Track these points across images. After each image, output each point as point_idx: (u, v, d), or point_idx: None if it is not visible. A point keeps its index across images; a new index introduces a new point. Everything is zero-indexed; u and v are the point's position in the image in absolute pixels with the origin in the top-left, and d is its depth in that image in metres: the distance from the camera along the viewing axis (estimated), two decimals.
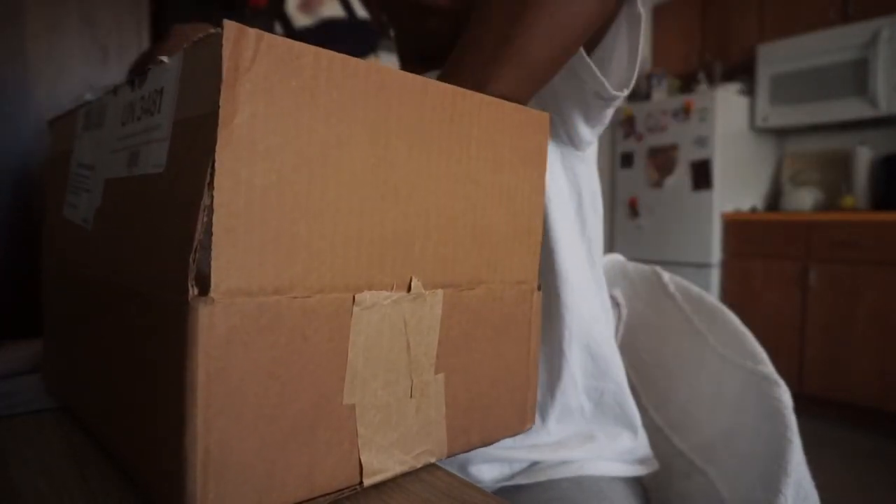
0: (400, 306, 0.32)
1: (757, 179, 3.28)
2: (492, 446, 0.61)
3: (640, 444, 0.67)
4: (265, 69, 0.26)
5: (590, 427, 0.64)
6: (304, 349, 0.28)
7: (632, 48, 0.54)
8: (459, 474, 0.60)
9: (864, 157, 2.89)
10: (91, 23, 0.92)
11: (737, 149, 3.11)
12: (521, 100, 0.45)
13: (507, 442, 0.61)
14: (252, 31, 0.26)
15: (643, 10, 0.53)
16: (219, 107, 0.24)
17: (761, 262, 2.86)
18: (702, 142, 3.05)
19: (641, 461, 0.66)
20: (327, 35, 1.99)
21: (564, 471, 0.61)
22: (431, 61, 0.63)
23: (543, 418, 0.62)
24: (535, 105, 0.47)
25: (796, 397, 0.59)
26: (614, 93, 0.54)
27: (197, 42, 0.27)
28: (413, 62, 0.68)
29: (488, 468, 0.61)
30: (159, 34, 1.61)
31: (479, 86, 0.41)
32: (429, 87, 0.32)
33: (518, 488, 0.60)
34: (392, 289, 0.32)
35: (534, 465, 0.61)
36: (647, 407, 0.79)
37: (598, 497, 0.58)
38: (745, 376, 0.64)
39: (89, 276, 0.38)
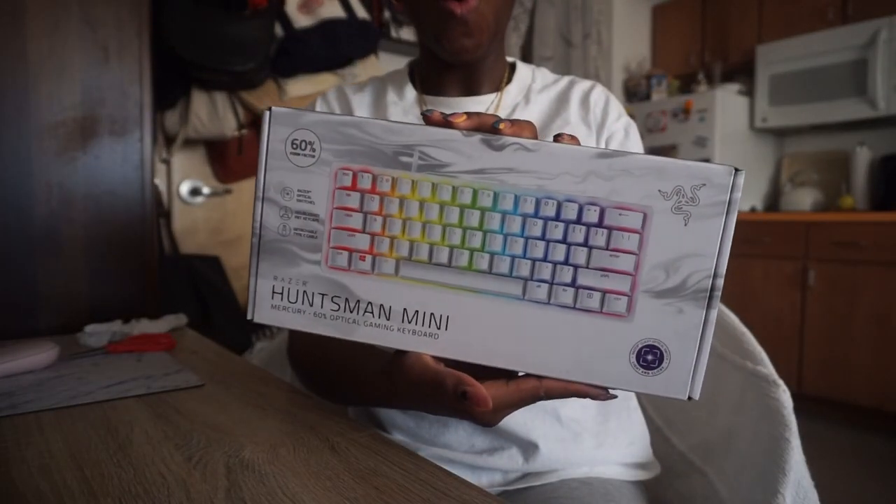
0: None
1: (756, 180, 3.28)
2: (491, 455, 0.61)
3: (644, 447, 0.67)
4: None
5: (600, 426, 0.64)
6: None
7: None
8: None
9: (863, 157, 2.89)
10: (91, 23, 0.92)
11: (736, 149, 3.11)
12: None
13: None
14: None
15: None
16: None
17: (761, 262, 2.86)
18: (701, 142, 3.05)
19: (645, 465, 0.66)
20: (327, 35, 1.99)
21: (573, 472, 0.61)
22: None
23: (559, 419, 0.62)
24: None
25: (795, 397, 0.59)
26: None
27: None
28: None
29: (486, 475, 0.62)
30: (159, 35, 1.61)
31: None
32: None
33: (527, 487, 0.60)
34: None
35: (528, 475, 0.61)
36: (647, 407, 0.79)
37: (605, 498, 0.58)
38: (744, 376, 0.64)
39: None
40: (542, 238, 0.36)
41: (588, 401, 0.63)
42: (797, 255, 2.73)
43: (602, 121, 0.64)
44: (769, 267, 2.83)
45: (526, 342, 0.37)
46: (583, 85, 0.67)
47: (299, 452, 0.45)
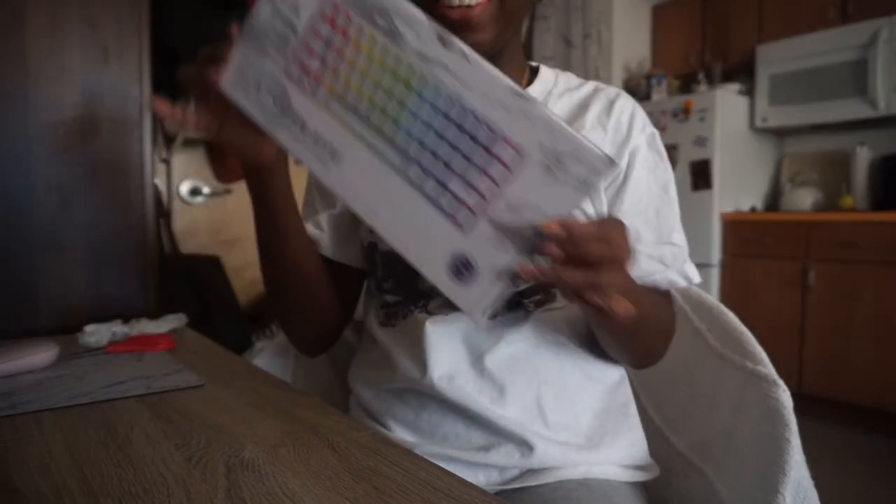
0: None
1: (756, 180, 3.28)
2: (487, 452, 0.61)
3: (642, 449, 0.67)
4: None
5: (595, 432, 0.64)
6: None
7: None
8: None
9: (863, 157, 2.89)
10: (91, 23, 0.92)
11: (736, 149, 3.11)
12: None
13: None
14: None
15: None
16: None
17: (761, 263, 2.86)
18: (701, 142, 3.04)
19: (644, 467, 0.66)
20: None
21: (571, 472, 0.61)
22: None
23: (546, 423, 0.62)
24: None
25: (795, 397, 0.59)
26: None
27: None
28: None
29: (483, 473, 0.62)
30: (159, 35, 1.61)
31: None
32: None
33: (525, 488, 0.60)
34: None
35: (527, 472, 0.61)
36: (647, 407, 0.79)
37: (604, 499, 0.58)
38: (744, 376, 0.64)
39: None
40: (436, 132, 0.42)
41: (582, 406, 0.63)
42: (797, 255, 2.73)
43: (628, 132, 0.66)
44: (769, 267, 2.83)
45: (384, 203, 0.44)
46: (608, 91, 0.68)
47: (299, 452, 0.45)
